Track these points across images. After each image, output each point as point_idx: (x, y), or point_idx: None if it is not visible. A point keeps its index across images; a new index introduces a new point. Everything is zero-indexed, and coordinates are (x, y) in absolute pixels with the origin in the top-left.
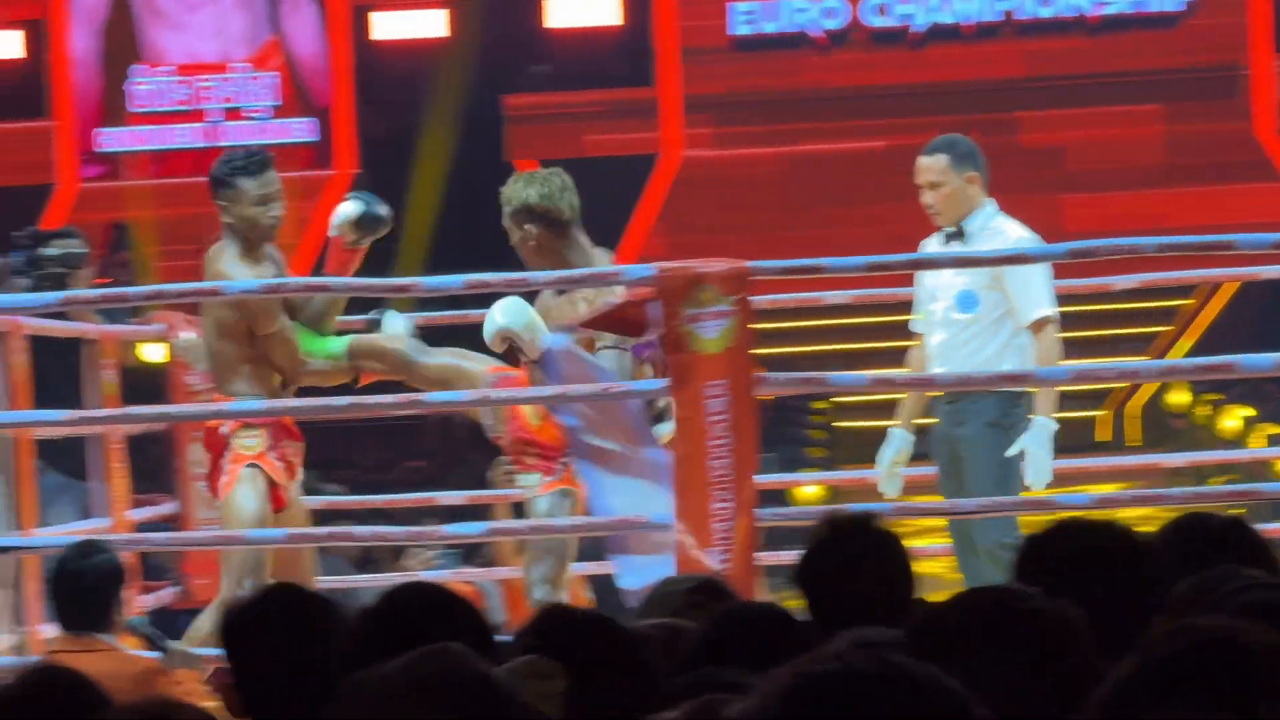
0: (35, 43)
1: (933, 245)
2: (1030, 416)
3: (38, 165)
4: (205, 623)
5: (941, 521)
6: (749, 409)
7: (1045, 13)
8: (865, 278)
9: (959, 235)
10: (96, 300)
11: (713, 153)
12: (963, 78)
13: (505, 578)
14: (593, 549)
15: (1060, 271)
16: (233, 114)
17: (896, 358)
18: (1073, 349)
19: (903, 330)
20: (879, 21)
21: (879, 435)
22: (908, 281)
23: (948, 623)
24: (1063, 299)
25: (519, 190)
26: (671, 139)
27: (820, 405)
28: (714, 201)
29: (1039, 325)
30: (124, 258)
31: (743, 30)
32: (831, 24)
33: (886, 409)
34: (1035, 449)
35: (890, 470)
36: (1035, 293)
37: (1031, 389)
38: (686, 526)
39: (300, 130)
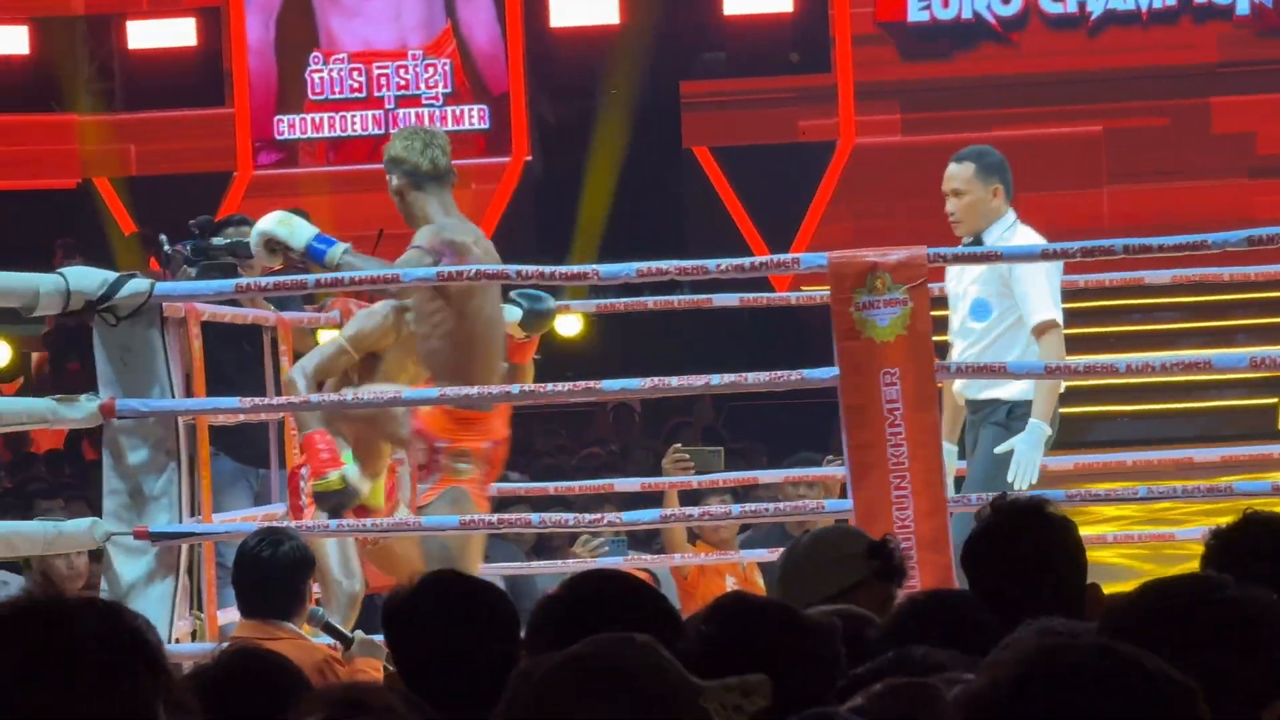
0: (208, 31)
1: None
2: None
3: (217, 152)
4: None
5: (1125, 510)
6: (929, 396)
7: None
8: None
9: (977, 245)
10: (272, 287)
11: (889, 139)
12: (1140, 64)
13: (677, 565)
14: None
15: (1237, 258)
16: (407, 101)
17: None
18: (1248, 336)
19: (1093, 315)
20: (1055, 8)
21: (1061, 421)
22: (1088, 269)
23: (1141, 611)
24: (1241, 286)
25: (390, 141)
26: (847, 125)
27: None
28: (889, 188)
29: (1042, 329)
30: None
31: (919, 17)
32: (1007, 10)
33: (1071, 396)
34: (1024, 449)
35: None
36: (1039, 296)
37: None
38: (866, 514)
39: (474, 117)
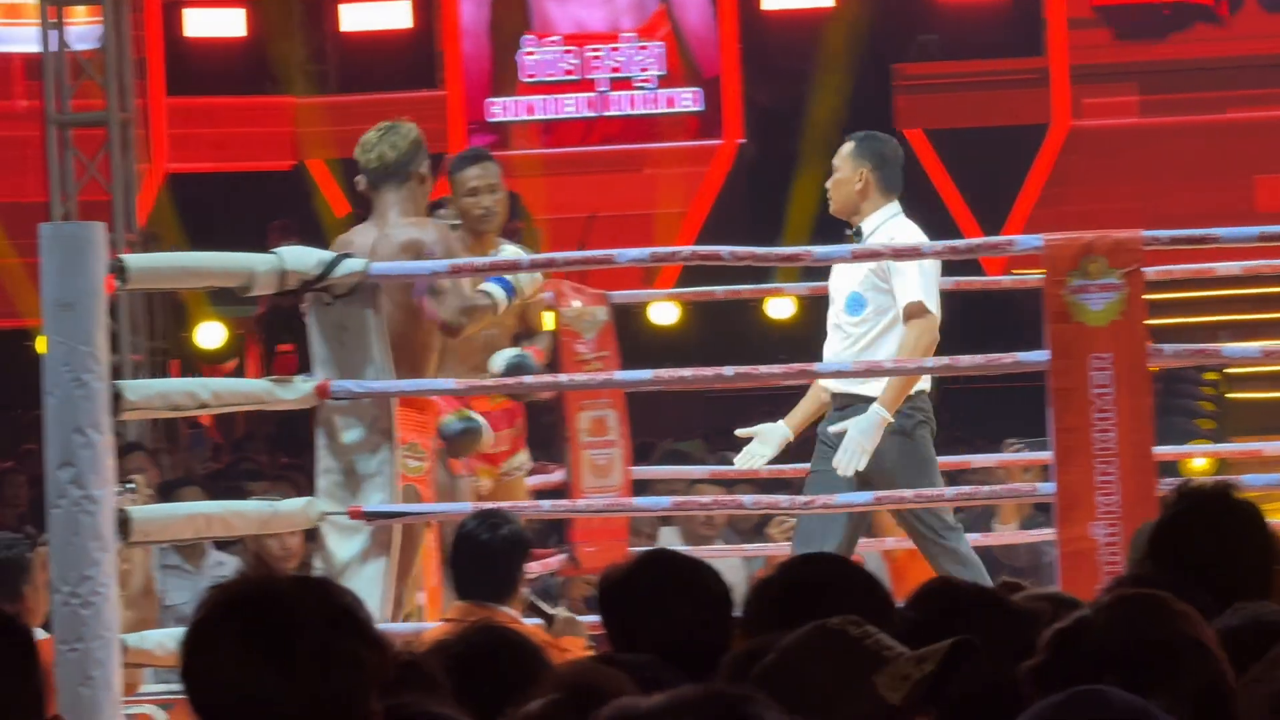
0: (424, 12)
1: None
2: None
3: (430, 135)
4: None
5: None
6: (1142, 382)
7: None
8: (1257, 248)
9: (858, 235)
10: (486, 268)
11: (1103, 122)
12: None
13: (888, 549)
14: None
15: None
16: (620, 84)
17: None
18: None
19: None
20: None
21: (1271, 407)
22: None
23: None
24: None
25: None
26: (1061, 108)
27: (1211, 376)
28: (1104, 171)
29: (910, 311)
30: (514, 226)
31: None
32: None
33: (1277, 380)
34: (855, 433)
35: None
36: (912, 284)
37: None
38: (1069, 497)
39: (687, 100)
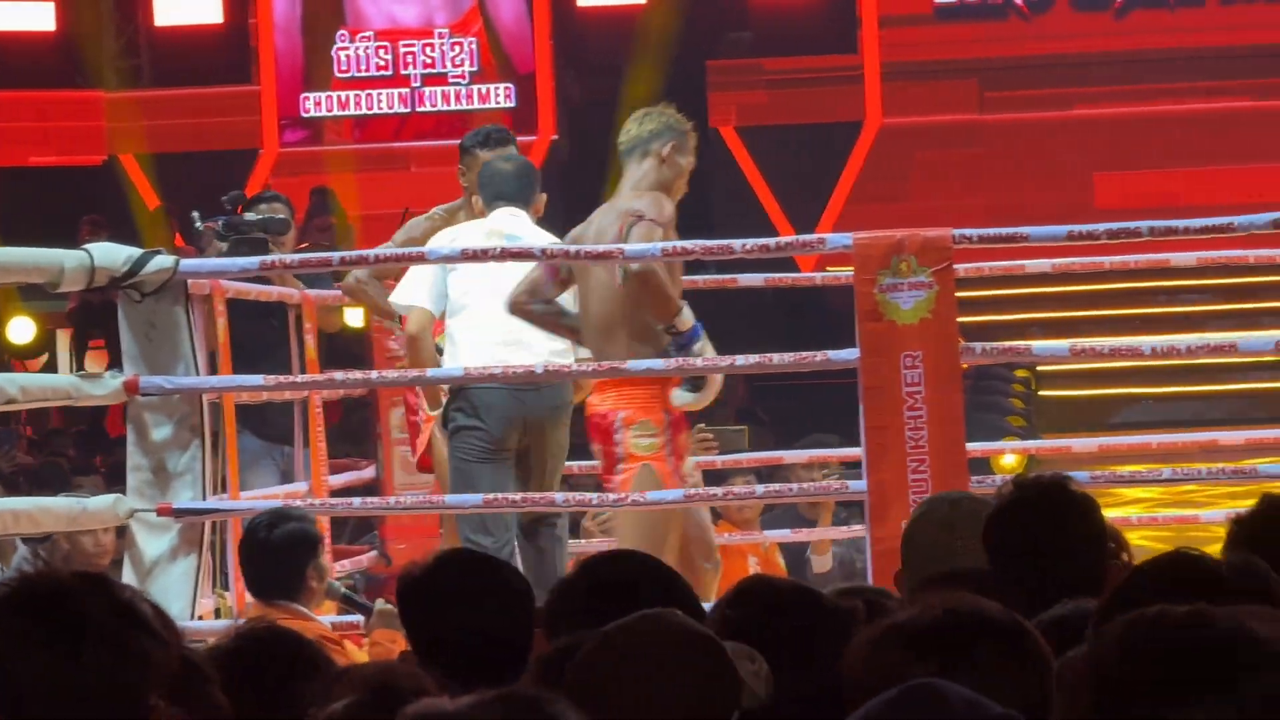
0: (237, 7)
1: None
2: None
3: (243, 130)
4: None
5: (1149, 492)
6: (952, 379)
7: None
8: (1067, 246)
9: None
10: (297, 265)
11: (915, 119)
12: (1164, 45)
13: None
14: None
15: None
16: (433, 80)
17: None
18: (1274, 319)
19: (1106, 298)
20: None
21: (1081, 404)
22: (1111, 250)
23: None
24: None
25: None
26: (873, 106)
27: (1022, 374)
28: (917, 169)
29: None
30: (325, 222)
31: None
32: None
33: (1097, 379)
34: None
35: None
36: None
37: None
38: (881, 495)
39: (500, 96)
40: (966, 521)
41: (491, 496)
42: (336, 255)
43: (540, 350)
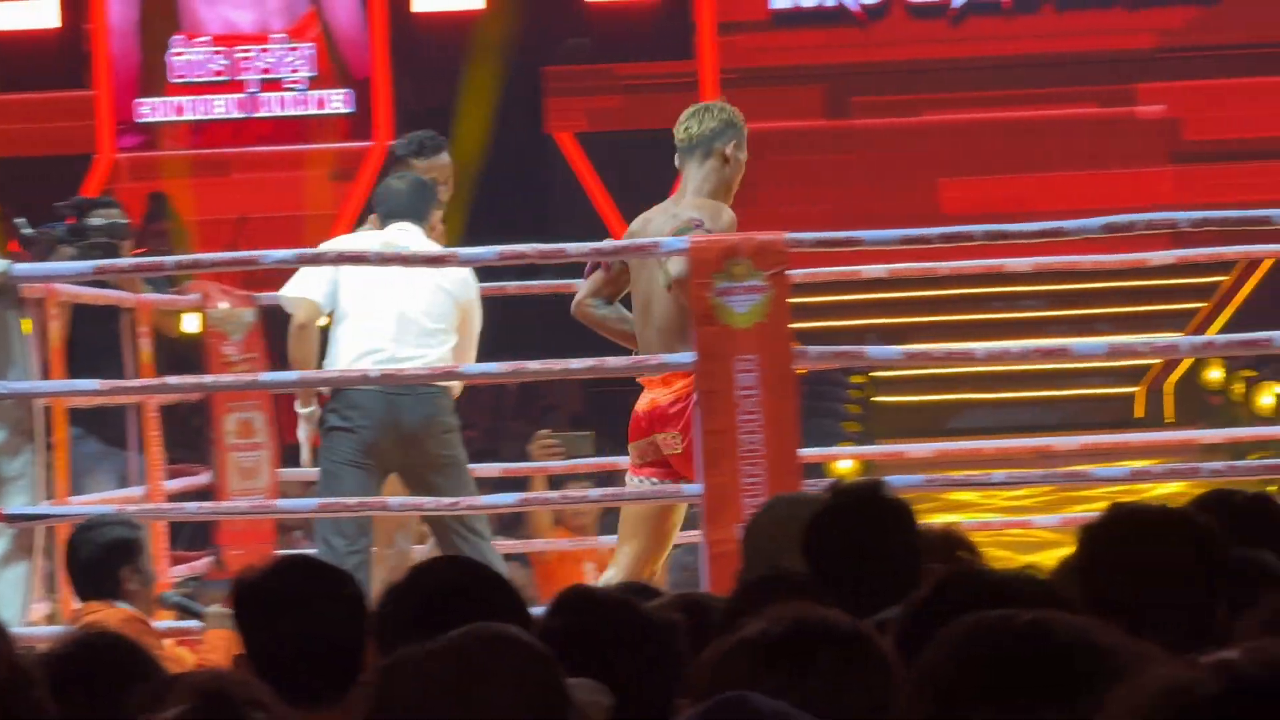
0: (72, 11)
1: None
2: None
3: (78, 135)
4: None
5: (982, 497)
6: (787, 383)
7: None
8: (902, 251)
9: None
10: (131, 269)
11: (752, 125)
12: (1002, 52)
13: (538, 550)
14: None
15: (1096, 247)
16: (270, 85)
17: (936, 332)
18: (1109, 325)
19: (942, 304)
20: None
21: (915, 409)
22: (945, 255)
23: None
24: (1100, 274)
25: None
26: None
27: (857, 379)
28: (749, 174)
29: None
30: (161, 228)
31: (782, 4)
32: None
33: (932, 384)
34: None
35: None
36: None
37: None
38: (717, 499)
39: (337, 101)
40: (802, 522)
41: (329, 501)
42: (172, 259)
43: (418, 368)
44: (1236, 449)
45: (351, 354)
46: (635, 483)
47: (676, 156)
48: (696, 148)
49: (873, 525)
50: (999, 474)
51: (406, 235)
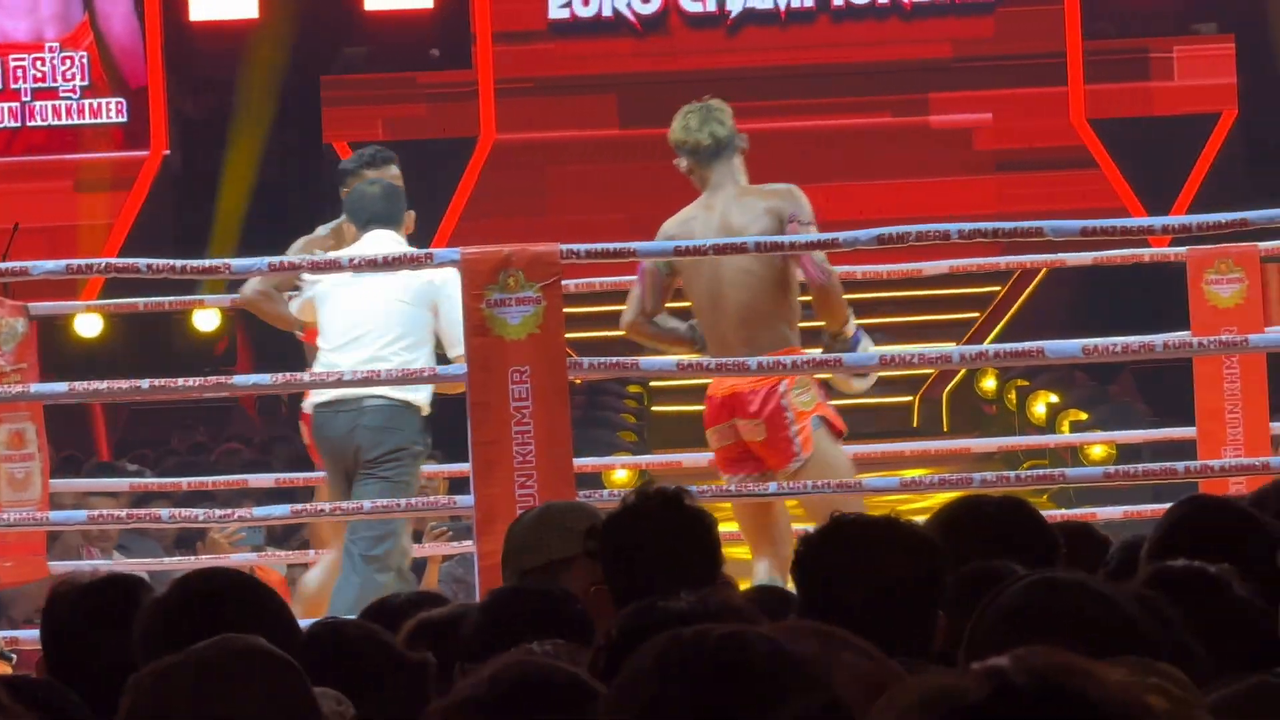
0: None
1: None
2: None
3: None
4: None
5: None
6: (560, 394)
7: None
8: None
9: None
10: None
11: (530, 136)
12: (776, 63)
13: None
14: None
15: (871, 257)
16: (44, 94)
17: None
18: (885, 335)
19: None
20: (695, 6)
21: (692, 420)
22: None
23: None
24: (875, 284)
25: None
26: (488, 122)
27: (634, 390)
28: (528, 184)
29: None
30: None
31: (560, 14)
32: (647, 9)
33: (701, 394)
34: None
35: None
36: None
37: None
38: (488, 511)
39: (111, 111)
40: (554, 518)
41: (96, 514)
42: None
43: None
44: (1011, 457)
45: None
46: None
47: (687, 160)
48: (725, 149)
49: (672, 530)
50: (772, 484)
51: (382, 241)
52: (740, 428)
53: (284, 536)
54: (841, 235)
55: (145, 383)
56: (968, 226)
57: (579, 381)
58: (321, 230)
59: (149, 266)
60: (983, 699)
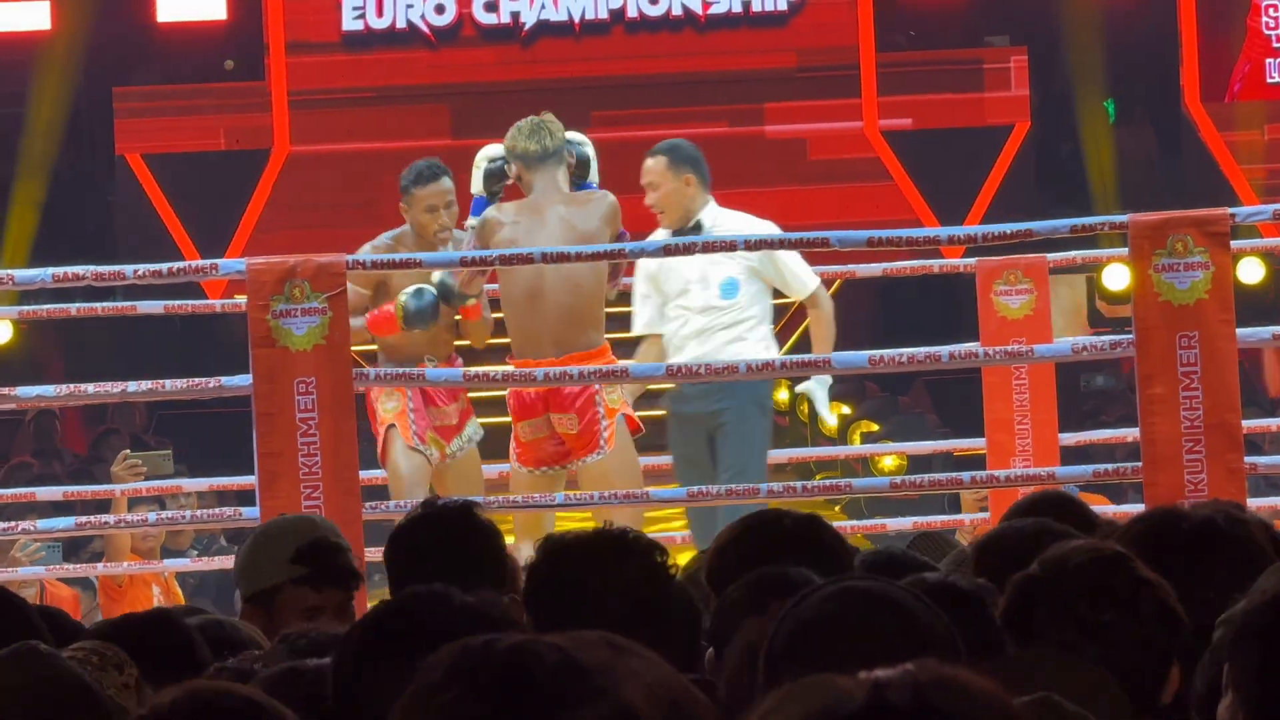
0: None
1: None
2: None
3: None
4: None
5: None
6: (346, 405)
7: (654, 11)
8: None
9: (696, 231)
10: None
11: (323, 147)
12: (573, 75)
13: (106, 573)
14: None
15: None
16: None
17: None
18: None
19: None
20: (489, 18)
21: (492, 431)
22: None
23: None
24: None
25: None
26: (281, 134)
27: None
28: (322, 196)
29: (813, 298)
30: None
31: (353, 26)
32: (441, 20)
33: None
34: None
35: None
36: (800, 270)
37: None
38: None
39: None
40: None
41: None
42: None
43: None
44: (802, 469)
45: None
46: (522, 472)
47: (516, 165)
48: (551, 156)
49: (456, 541)
50: (560, 495)
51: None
52: (554, 420)
53: (74, 550)
54: (629, 245)
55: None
56: (754, 237)
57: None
58: (385, 239)
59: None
60: (859, 709)
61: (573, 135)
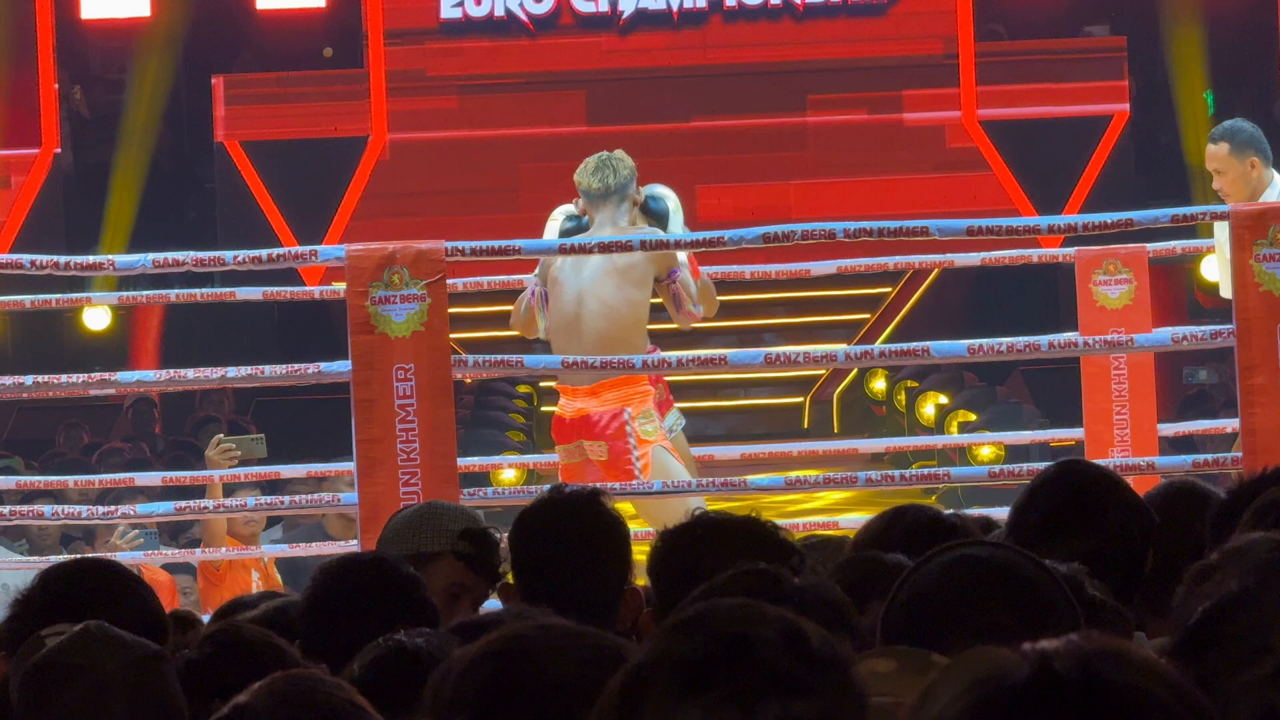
0: None
1: None
2: None
3: None
4: None
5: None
6: (444, 392)
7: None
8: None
9: None
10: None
11: (421, 135)
12: (667, 64)
13: (205, 559)
14: None
15: (757, 256)
16: None
17: None
18: (776, 336)
19: None
20: (587, 6)
21: None
22: None
23: None
24: (761, 284)
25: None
26: (379, 121)
27: (524, 389)
28: (419, 184)
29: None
30: None
31: (452, 14)
32: (539, 9)
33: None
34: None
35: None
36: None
37: None
38: (372, 508)
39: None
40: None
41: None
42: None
43: None
44: (900, 458)
45: None
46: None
47: (583, 200)
48: (611, 194)
49: (584, 533)
50: (657, 483)
51: None
52: (586, 448)
53: (174, 535)
54: (729, 233)
55: (29, 379)
56: (853, 226)
57: (469, 380)
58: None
59: (33, 263)
60: (1024, 680)
61: (656, 189)
